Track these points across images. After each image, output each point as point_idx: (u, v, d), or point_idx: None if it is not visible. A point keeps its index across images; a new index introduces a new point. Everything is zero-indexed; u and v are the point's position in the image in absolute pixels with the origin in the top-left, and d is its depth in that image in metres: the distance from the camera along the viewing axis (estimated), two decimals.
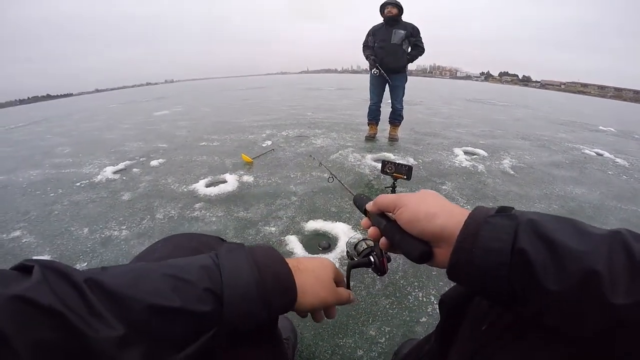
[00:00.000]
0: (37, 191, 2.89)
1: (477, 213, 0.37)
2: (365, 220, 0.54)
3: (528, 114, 8.40)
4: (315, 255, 1.72)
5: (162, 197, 2.52)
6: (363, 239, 0.66)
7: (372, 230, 0.51)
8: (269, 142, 4.07)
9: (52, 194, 2.79)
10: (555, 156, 3.85)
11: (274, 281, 0.42)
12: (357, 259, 0.64)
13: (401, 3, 3.64)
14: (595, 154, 4.10)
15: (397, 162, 2.27)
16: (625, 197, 2.69)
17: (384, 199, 0.48)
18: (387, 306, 1.36)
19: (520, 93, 24.08)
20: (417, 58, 3.81)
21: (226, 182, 2.67)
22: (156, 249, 0.55)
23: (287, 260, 0.47)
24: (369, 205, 0.52)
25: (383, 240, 0.49)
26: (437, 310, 1.35)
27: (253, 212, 2.19)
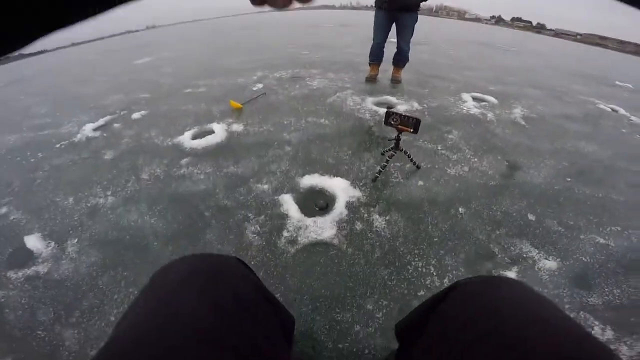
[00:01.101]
0: (17, 157, 2.88)
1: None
2: None
3: (541, 63, 7.86)
4: (311, 219, 1.72)
5: (146, 152, 2.50)
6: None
7: None
8: (260, 86, 3.91)
9: (32, 159, 2.78)
10: (568, 108, 3.68)
11: None
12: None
13: None
14: (610, 110, 3.94)
15: (403, 113, 2.15)
16: (637, 157, 2.63)
17: None
18: (386, 277, 1.38)
19: (533, 40, 22.55)
20: None
21: (214, 132, 2.62)
22: (168, 274, 0.52)
23: None
24: None
25: None
26: (436, 283, 1.37)
27: (244, 166, 2.16)
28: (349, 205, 1.80)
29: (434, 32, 13.38)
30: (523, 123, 3.01)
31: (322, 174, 2.02)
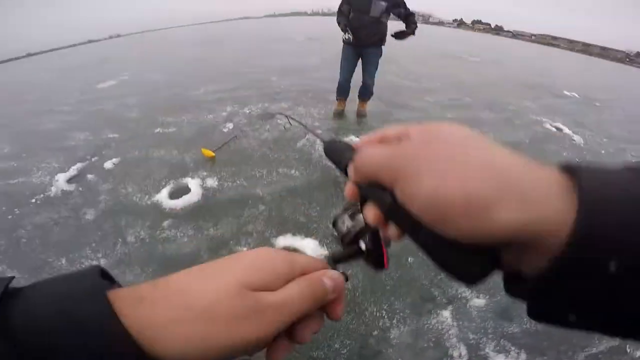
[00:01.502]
0: None
1: (602, 182, 0.20)
2: (350, 188, 0.32)
3: (498, 74, 8.86)
4: None
5: (128, 212, 2.73)
6: (345, 211, 0.40)
7: (370, 212, 0.30)
8: (231, 125, 4.19)
9: (9, 216, 2.91)
10: (517, 133, 4.31)
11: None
12: (339, 246, 0.40)
13: None
14: (555, 130, 4.60)
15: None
16: None
17: (369, 159, 0.28)
18: (348, 321, 1.75)
19: (492, 44, 24.29)
20: (415, 29, 3.77)
21: (190, 190, 2.88)
22: None
23: (130, 288, 0.25)
24: (351, 174, 0.31)
25: (393, 230, 0.29)
26: (387, 324, 1.76)
27: (223, 227, 2.46)
28: None
29: (400, 43, 14.01)
30: None
31: (294, 234, 2.38)
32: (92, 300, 0.22)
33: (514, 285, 0.24)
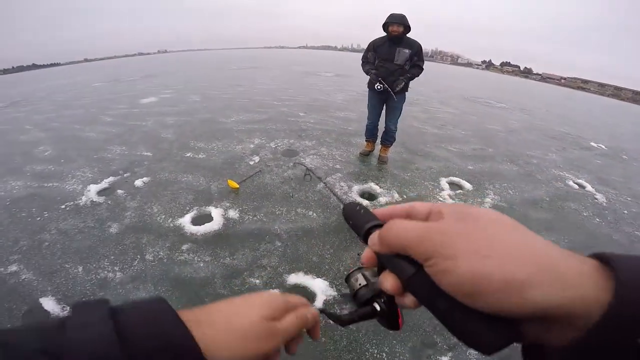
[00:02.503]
0: (23, 212, 3.17)
1: (635, 269, 0.24)
2: (368, 255, 0.35)
3: (524, 123, 8.87)
4: None
5: (150, 232, 2.84)
6: (360, 269, 0.41)
7: (388, 281, 0.32)
8: (257, 159, 4.36)
9: (38, 218, 3.08)
10: (537, 190, 4.24)
11: (157, 349, 0.28)
12: (351, 303, 0.41)
13: (407, 21, 3.70)
14: (577, 187, 4.52)
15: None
16: (590, 246, 3.13)
17: (403, 234, 0.30)
18: None
19: (520, 87, 24.49)
20: (414, 78, 3.98)
21: (212, 219, 2.99)
22: None
23: (187, 312, 0.34)
24: (374, 242, 0.33)
25: (409, 300, 0.32)
26: None
27: (238, 258, 2.53)
28: (326, 303, 2.18)
29: (427, 84, 14.42)
30: None
31: (305, 273, 2.41)
32: (175, 323, 0.31)
33: (533, 355, 0.28)
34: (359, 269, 0.41)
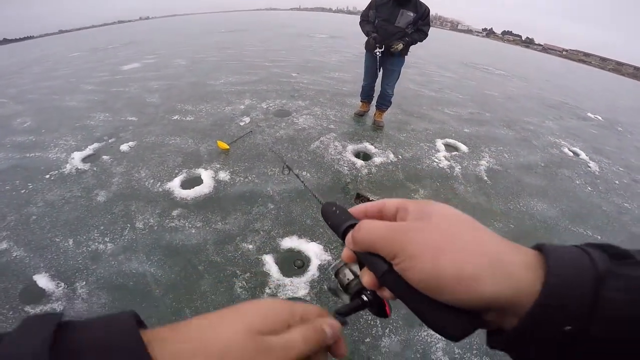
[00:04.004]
0: (6, 186, 3.04)
1: (564, 262, 0.26)
2: (347, 253, 0.37)
3: (522, 90, 8.59)
4: (289, 279, 2.03)
5: (138, 198, 2.74)
6: (345, 264, 0.40)
7: (365, 278, 0.35)
8: (247, 119, 4.18)
9: (22, 190, 2.95)
10: (532, 155, 4.17)
11: None
12: (343, 295, 0.41)
13: None
14: (572, 155, 4.46)
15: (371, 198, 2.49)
16: (580, 215, 3.10)
17: (370, 234, 0.32)
18: (344, 327, 1.73)
19: (520, 57, 23.69)
20: (416, 43, 3.65)
21: (202, 182, 2.87)
22: None
23: (159, 329, 0.27)
24: (349, 242, 0.35)
25: (387, 293, 0.34)
26: (379, 332, 1.73)
27: (231, 222, 2.45)
28: (321, 268, 2.14)
29: (425, 48, 13.86)
30: (485, 178, 3.42)
31: (299, 236, 2.34)
32: (130, 341, 0.24)
33: (494, 339, 0.29)
34: (346, 264, 0.41)
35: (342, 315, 0.36)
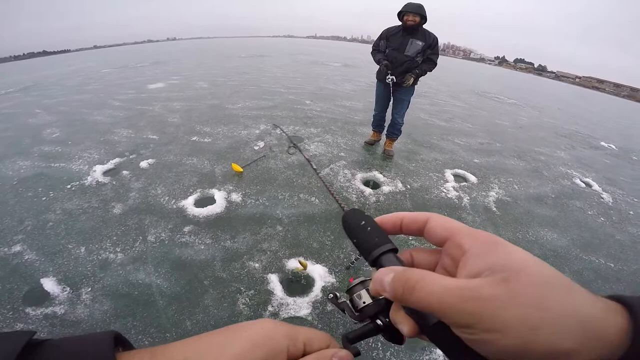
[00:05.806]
0: (29, 192, 3.16)
1: None
2: (377, 288, 0.29)
3: (534, 120, 8.62)
4: (292, 298, 2.04)
5: (153, 213, 2.81)
6: (362, 283, 0.36)
7: (406, 326, 0.29)
8: (262, 144, 4.30)
9: (44, 197, 3.07)
10: (543, 187, 4.13)
11: None
12: (355, 316, 0.35)
13: (425, 11, 3.49)
14: (584, 186, 4.38)
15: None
16: (591, 244, 3.03)
17: (433, 298, 0.24)
18: None
19: (532, 85, 23.88)
20: (426, 74, 3.78)
21: (215, 202, 2.95)
22: None
23: (141, 350, 0.27)
24: (387, 289, 0.27)
25: (410, 328, 0.29)
26: (380, 355, 1.71)
27: (239, 241, 2.49)
28: (324, 289, 2.14)
29: (436, 78, 14.12)
30: (494, 209, 3.40)
31: (305, 258, 2.36)
32: None
33: None
34: (362, 282, 0.36)
35: (352, 341, 0.32)
